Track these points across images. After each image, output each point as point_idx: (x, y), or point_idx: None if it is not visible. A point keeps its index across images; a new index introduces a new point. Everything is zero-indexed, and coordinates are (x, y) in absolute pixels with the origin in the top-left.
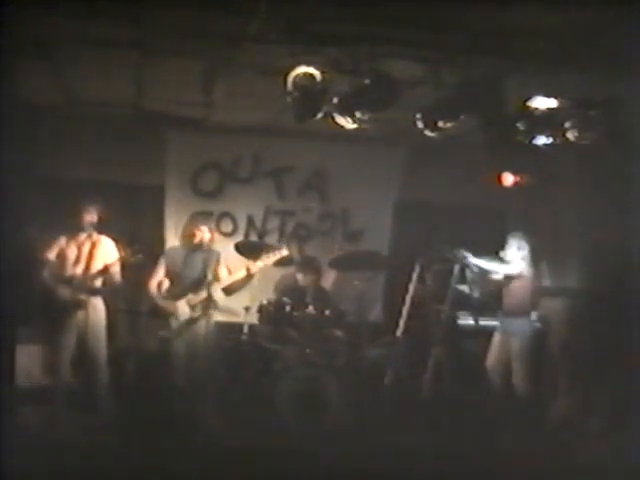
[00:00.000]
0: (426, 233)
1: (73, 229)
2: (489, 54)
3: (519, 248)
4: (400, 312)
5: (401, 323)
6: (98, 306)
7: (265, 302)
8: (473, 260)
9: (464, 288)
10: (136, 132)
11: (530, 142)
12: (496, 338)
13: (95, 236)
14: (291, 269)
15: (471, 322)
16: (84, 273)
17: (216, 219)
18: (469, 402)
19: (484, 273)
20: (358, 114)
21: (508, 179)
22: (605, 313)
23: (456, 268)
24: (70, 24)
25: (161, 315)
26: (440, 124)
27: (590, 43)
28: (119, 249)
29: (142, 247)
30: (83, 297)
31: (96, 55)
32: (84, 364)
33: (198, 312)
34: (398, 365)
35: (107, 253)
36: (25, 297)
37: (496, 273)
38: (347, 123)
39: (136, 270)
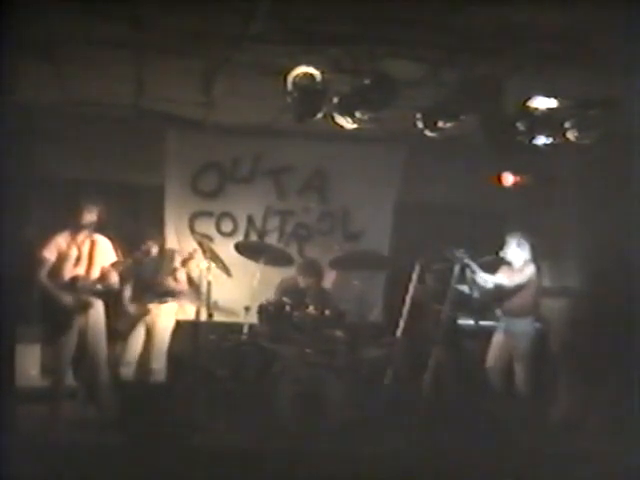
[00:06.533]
0: (426, 233)
1: (73, 229)
2: (489, 54)
3: (519, 246)
4: (400, 312)
5: (401, 323)
6: (98, 306)
7: (265, 302)
8: (482, 274)
9: (464, 288)
10: (136, 132)
11: (530, 142)
12: (497, 338)
13: (95, 236)
14: (292, 270)
15: (471, 322)
16: (84, 273)
17: (216, 219)
18: (469, 402)
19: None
20: (358, 114)
21: (508, 179)
22: (605, 313)
23: (456, 268)
24: (70, 24)
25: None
26: (440, 124)
27: (590, 43)
28: (118, 249)
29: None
30: (83, 297)
31: (96, 55)
32: (84, 364)
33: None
34: (398, 365)
35: (107, 253)
36: (25, 297)
37: (506, 285)
38: (347, 123)
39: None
